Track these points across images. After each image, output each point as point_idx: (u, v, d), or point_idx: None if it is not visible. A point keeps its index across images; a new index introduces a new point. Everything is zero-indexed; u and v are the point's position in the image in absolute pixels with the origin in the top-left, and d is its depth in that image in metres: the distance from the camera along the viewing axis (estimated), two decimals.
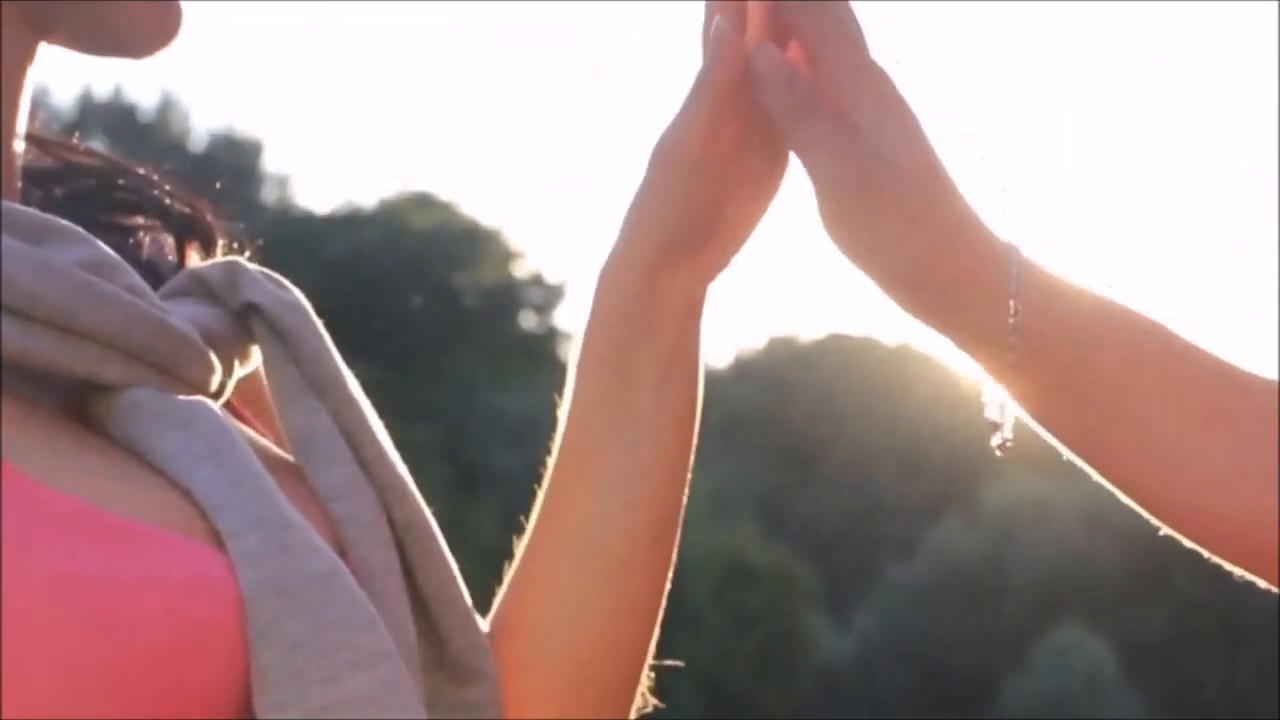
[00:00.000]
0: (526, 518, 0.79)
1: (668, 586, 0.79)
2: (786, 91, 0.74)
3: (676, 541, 0.79)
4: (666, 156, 0.76)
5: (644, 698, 0.80)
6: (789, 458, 23.28)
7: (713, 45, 0.74)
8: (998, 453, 0.77)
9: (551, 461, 0.79)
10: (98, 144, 0.78)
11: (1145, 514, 0.76)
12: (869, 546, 22.17)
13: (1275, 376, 0.74)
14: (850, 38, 0.74)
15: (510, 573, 0.79)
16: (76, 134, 0.76)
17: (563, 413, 0.79)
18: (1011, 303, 0.73)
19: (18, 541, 0.53)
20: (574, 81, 38.04)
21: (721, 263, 0.79)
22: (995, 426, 0.76)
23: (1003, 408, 0.76)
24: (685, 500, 0.80)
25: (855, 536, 22.64)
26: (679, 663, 0.84)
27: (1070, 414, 0.75)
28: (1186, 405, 0.73)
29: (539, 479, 0.79)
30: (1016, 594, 20.22)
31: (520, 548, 0.79)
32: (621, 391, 0.77)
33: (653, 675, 0.80)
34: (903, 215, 0.73)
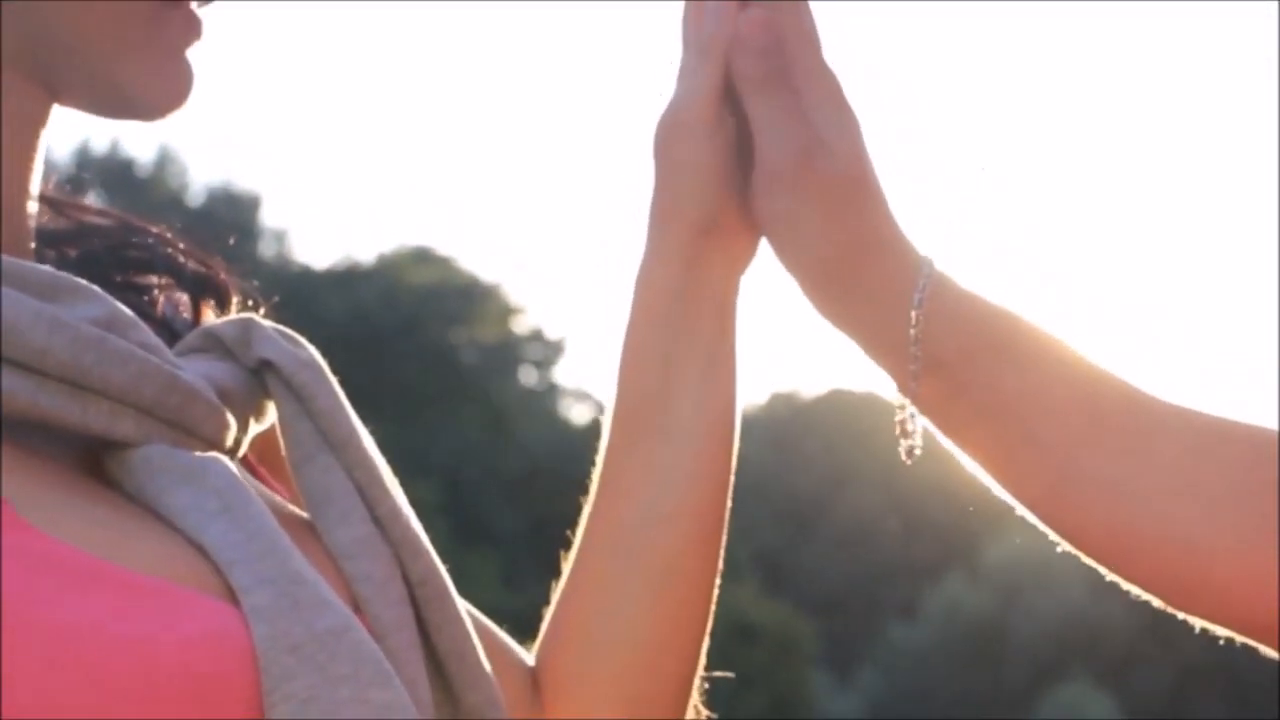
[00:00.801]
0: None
1: (715, 593, 0.79)
2: (759, 60, 0.75)
3: (722, 548, 0.79)
4: (677, 127, 0.76)
5: (696, 710, 0.79)
6: (790, 515, 23.20)
7: (710, 12, 0.76)
8: (906, 460, 0.77)
9: (596, 470, 0.79)
10: (95, 198, 0.78)
11: (1047, 529, 0.76)
12: (871, 605, 22.06)
13: (1191, 404, 0.74)
14: (807, 34, 0.75)
15: (560, 584, 0.79)
16: (85, 191, 0.76)
17: (605, 418, 0.79)
18: (914, 314, 0.73)
19: (26, 594, 0.53)
20: (574, 136, 38.23)
21: (751, 251, 0.79)
22: (904, 434, 0.77)
23: (913, 417, 0.76)
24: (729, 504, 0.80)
25: (857, 594, 22.53)
26: (729, 674, 0.83)
27: (971, 429, 0.75)
28: (1086, 425, 0.73)
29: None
30: (1020, 652, 20.09)
31: (569, 559, 0.79)
32: (662, 392, 0.77)
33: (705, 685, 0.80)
34: (831, 206, 0.74)
